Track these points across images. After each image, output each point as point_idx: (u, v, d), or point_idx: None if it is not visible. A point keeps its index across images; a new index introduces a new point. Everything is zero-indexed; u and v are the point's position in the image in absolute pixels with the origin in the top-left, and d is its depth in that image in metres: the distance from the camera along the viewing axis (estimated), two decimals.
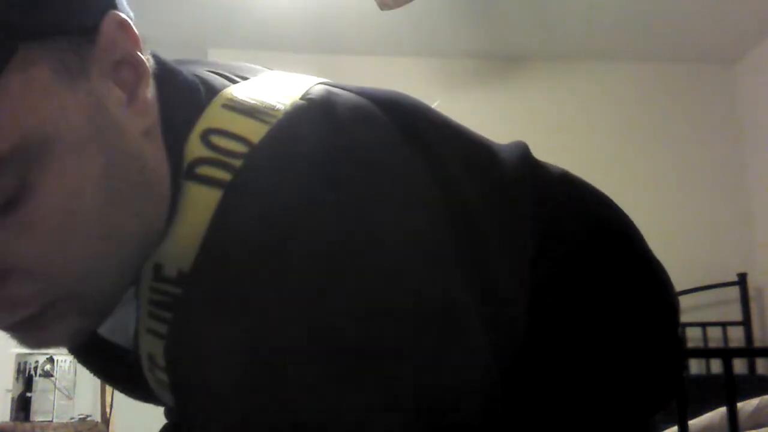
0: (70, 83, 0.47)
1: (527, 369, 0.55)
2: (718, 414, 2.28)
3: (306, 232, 0.48)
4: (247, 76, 0.58)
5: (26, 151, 0.44)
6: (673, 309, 0.66)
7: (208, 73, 0.57)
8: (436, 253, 0.51)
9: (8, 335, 0.52)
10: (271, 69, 0.62)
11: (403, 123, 0.56)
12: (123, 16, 0.50)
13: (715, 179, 3.97)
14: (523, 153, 0.64)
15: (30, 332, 0.51)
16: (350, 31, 3.73)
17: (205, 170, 0.50)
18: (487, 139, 0.64)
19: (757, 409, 2.28)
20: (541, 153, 0.66)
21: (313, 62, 3.65)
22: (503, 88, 4.01)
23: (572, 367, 0.58)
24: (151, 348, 0.53)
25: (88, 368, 0.69)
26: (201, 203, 0.50)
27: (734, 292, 3.74)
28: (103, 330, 0.60)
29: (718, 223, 3.90)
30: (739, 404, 2.19)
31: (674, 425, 2.14)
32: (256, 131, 0.51)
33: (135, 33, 0.51)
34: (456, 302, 0.50)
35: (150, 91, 0.52)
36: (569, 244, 0.61)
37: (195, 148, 0.51)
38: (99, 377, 0.72)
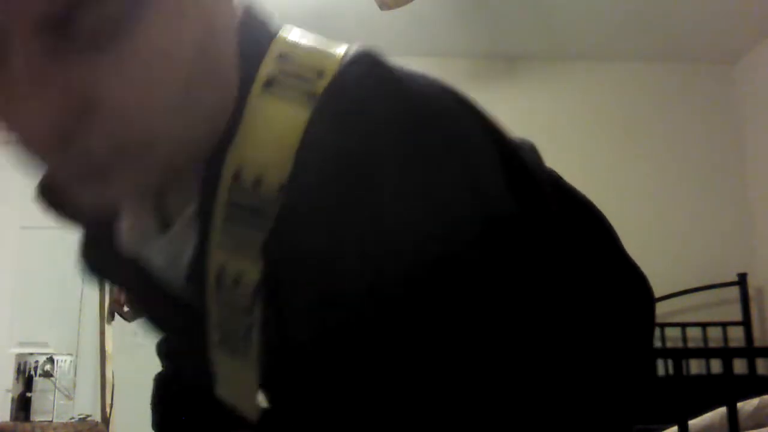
0: None
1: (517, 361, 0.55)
2: (718, 414, 2.28)
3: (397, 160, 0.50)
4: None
5: None
6: (653, 310, 0.67)
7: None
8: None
9: (68, 189, 0.50)
10: None
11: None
12: None
13: (715, 179, 3.97)
14: (535, 151, 0.65)
15: (92, 183, 0.49)
16: (350, 31, 3.73)
17: (282, 87, 0.52)
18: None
19: (757, 409, 2.29)
20: (542, 153, 0.66)
21: None
22: (503, 88, 4.01)
23: (563, 367, 0.58)
24: (225, 261, 0.52)
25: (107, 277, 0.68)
26: (280, 117, 0.51)
27: (734, 292, 3.75)
28: (153, 257, 0.59)
29: (718, 223, 3.90)
30: (739, 404, 2.19)
31: (674, 425, 2.14)
32: (325, 61, 0.54)
33: None
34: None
35: None
36: (569, 243, 0.62)
37: (271, 66, 0.54)
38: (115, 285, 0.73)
